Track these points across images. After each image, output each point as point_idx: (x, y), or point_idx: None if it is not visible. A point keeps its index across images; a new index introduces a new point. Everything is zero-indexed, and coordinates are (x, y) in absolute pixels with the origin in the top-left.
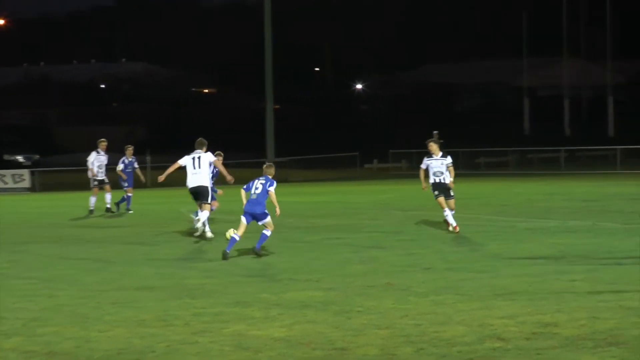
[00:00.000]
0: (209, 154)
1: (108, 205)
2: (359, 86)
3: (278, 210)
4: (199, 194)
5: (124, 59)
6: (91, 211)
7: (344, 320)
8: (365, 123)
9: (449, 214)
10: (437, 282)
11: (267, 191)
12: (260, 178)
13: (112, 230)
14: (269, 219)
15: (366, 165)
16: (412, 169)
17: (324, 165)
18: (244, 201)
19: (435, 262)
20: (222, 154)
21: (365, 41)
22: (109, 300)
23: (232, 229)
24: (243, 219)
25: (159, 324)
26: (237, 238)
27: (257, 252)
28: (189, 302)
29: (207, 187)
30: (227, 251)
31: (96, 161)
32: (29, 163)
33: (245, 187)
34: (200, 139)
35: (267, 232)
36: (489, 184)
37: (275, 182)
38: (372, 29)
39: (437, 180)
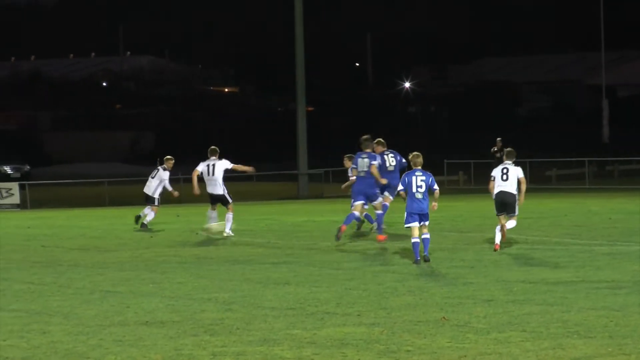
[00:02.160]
0: (224, 161)
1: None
2: (406, 85)
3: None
4: (217, 200)
5: (128, 53)
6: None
7: None
8: (413, 128)
9: (499, 231)
10: (500, 317)
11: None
12: None
13: (115, 253)
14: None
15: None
16: (469, 182)
17: None
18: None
19: (497, 293)
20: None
21: (411, 31)
22: (111, 337)
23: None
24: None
25: None
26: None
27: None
28: (207, 339)
29: (223, 195)
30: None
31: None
32: (17, 175)
33: None
34: (212, 147)
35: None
36: (561, 201)
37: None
38: (418, 16)
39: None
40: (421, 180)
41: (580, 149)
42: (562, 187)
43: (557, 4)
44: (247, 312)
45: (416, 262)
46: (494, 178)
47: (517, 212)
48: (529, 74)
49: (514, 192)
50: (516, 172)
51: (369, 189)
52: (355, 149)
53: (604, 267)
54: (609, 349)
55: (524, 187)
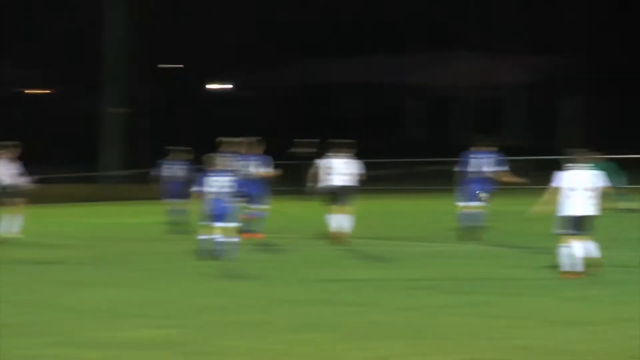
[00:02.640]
0: None
1: None
2: (221, 86)
3: None
4: None
5: None
6: None
7: None
8: (230, 130)
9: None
10: (306, 317)
11: None
12: None
13: None
14: None
15: None
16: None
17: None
18: None
19: (304, 293)
20: None
21: (229, 33)
22: None
23: None
24: None
25: None
26: None
27: None
28: (4, 342)
29: None
30: None
31: None
32: None
33: None
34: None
35: None
36: (369, 201)
37: None
38: (236, 18)
39: None
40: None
41: (391, 150)
42: (371, 188)
43: (367, 4)
44: (48, 314)
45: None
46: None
47: None
48: (340, 75)
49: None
50: None
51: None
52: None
53: (409, 267)
54: (411, 349)
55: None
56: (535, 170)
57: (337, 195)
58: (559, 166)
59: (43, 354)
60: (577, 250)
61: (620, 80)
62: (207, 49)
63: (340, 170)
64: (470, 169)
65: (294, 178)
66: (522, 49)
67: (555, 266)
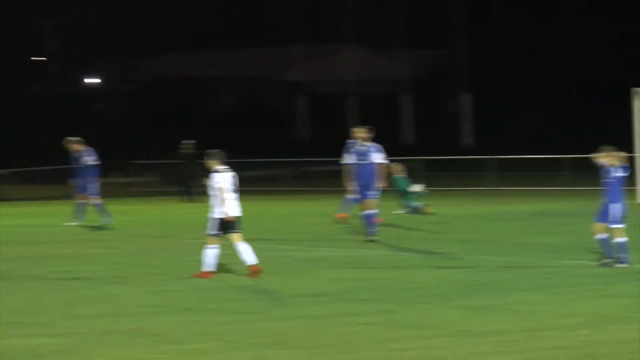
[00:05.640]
0: None
1: None
2: (91, 80)
3: None
4: None
5: None
6: None
7: None
8: (101, 126)
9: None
10: (197, 326)
11: None
12: None
13: None
14: None
15: (103, 180)
16: (160, 184)
17: (52, 180)
18: None
19: (193, 302)
20: None
21: (94, 23)
22: None
23: None
24: None
25: None
26: None
27: None
28: None
29: None
30: None
31: None
32: None
33: None
34: None
35: None
36: (254, 204)
37: None
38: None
39: None
40: None
41: (275, 148)
42: (257, 189)
43: None
44: None
45: None
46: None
47: None
48: (217, 69)
49: None
50: None
51: None
52: (38, 149)
53: (304, 274)
54: (314, 359)
55: None
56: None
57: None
58: None
59: None
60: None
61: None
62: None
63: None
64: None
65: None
66: (402, 44)
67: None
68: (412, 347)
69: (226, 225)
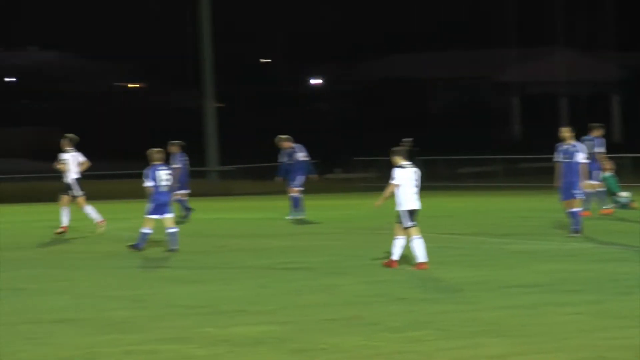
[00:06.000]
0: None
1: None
2: (316, 81)
3: None
4: None
5: (34, 47)
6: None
7: (304, 359)
8: (324, 125)
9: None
10: (413, 315)
11: None
12: None
13: (20, 252)
14: None
15: (327, 176)
16: (380, 179)
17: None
18: None
19: (410, 292)
20: None
21: (319, 26)
22: (21, 335)
23: None
24: None
25: None
26: None
27: None
28: (118, 337)
29: None
30: None
31: None
32: None
33: None
34: None
35: None
36: (472, 199)
37: None
38: (326, 11)
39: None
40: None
41: (492, 146)
42: (473, 185)
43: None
44: (157, 310)
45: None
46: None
47: None
48: (438, 70)
49: None
50: None
51: None
52: (264, 147)
53: (517, 266)
54: (523, 348)
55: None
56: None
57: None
58: None
59: (151, 349)
60: None
61: None
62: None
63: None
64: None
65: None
66: (611, 46)
67: None
68: (618, 336)
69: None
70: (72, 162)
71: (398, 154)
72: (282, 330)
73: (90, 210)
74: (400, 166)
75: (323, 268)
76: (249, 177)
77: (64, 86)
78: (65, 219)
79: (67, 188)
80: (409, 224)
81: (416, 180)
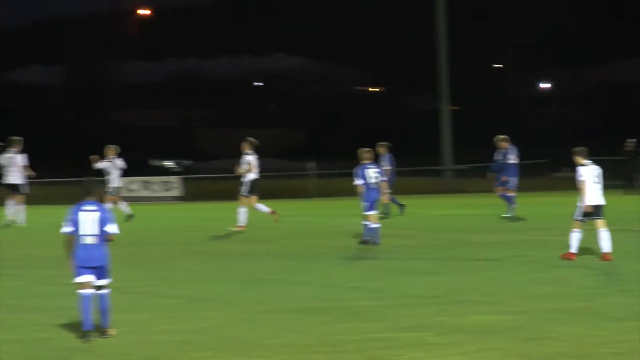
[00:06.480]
0: None
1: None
2: (545, 85)
3: None
4: None
5: (278, 54)
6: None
7: (534, 347)
8: (553, 126)
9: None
10: (637, 307)
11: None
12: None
13: (266, 245)
14: None
15: (554, 174)
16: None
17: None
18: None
19: (635, 284)
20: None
21: (546, 34)
22: (268, 323)
23: None
24: None
25: (327, 349)
26: None
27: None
28: (359, 325)
29: None
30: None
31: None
32: (179, 169)
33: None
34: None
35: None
36: None
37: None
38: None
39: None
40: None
41: None
42: None
43: None
44: (396, 300)
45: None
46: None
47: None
48: None
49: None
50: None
51: None
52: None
53: None
54: None
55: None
56: None
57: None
58: None
59: (390, 337)
60: None
61: None
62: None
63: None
64: None
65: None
66: None
67: None
68: None
69: (589, 213)
70: (253, 164)
71: (579, 153)
72: (513, 320)
73: (262, 207)
74: (582, 165)
75: (549, 261)
76: (482, 175)
77: (308, 90)
78: (243, 217)
79: (251, 188)
80: (578, 218)
81: (597, 177)
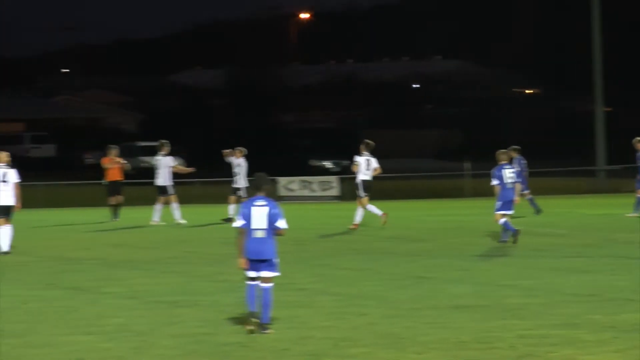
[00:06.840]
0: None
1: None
2: None
3: None
4: None
5: (438, 57)
6: None
7: None
8: None
9: None
10: None
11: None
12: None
13: (425, 243)
14: None
15: None
16: None
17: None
18: None
19: None
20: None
21: None
22: (423, 320)
23: None
24: None
25: (480, 346)
26: None
27: None
28: (512, 322)
29: None
30: None
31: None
32: (337, 169)
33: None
34: None
35: None
36: None
37: None
38: None
39: None
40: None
41: None
42: None
43: None
44: (548, 298)
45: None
46: None
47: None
48: None
49: None
50: None
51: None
52: None
53: None
54: None
55: None
56: None
57: None
58: None
59: (542, 334)
60: None
61: None
62: None
63: None
64: None
65: None
66: None
67: None
68: None
69: None
70: (364, 165)
71: None
72: None
73: (373, 208)
74: None
75: None
76: (634, 175)
77: (464, 92)
78: (358, 217)
79: (366, 188)
80: None
81: None
